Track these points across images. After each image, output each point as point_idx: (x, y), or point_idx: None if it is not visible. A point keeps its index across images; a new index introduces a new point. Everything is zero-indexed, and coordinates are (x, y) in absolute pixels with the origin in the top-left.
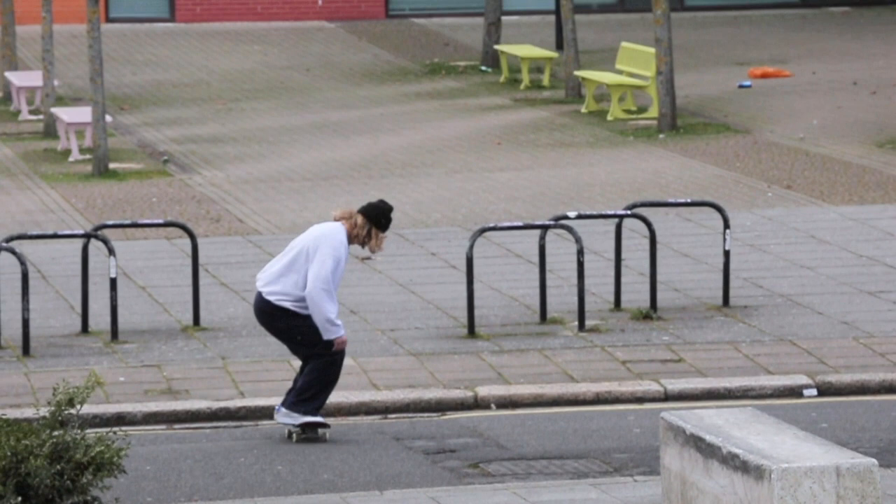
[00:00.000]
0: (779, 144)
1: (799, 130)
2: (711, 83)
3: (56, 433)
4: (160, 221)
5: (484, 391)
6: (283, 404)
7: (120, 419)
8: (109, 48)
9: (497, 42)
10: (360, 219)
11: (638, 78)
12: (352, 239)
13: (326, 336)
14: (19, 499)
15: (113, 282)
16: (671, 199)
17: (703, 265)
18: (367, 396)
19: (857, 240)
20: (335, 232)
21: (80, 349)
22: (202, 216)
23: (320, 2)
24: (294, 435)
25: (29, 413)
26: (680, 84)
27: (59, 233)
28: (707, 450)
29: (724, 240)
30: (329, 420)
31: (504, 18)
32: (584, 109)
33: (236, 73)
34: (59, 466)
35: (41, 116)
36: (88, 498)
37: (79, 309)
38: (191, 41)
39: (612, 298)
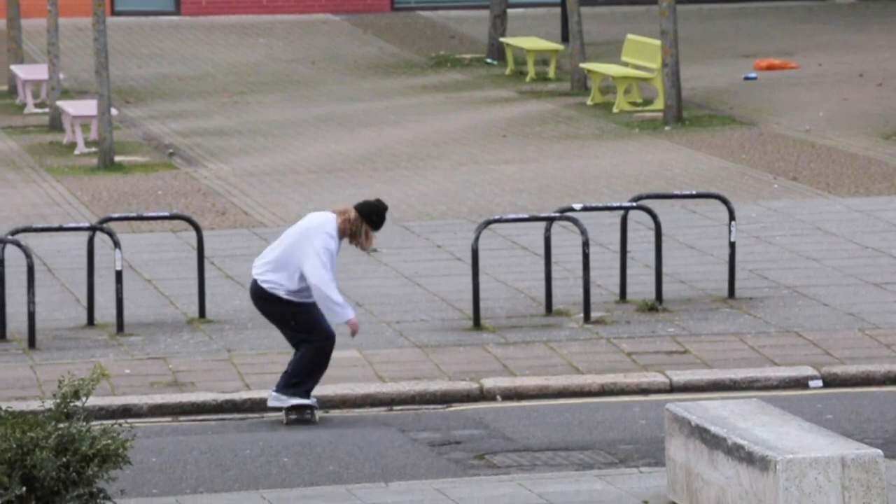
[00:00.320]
0: (785, 136)
1: (805, 122)
2: (717, 75)
3: (62, 425)
4: (166, 214)
5: (489, 383)
6: (277, 387)
7: (126, 411)
8: (115, 41)
9: (502, 34)
10: (353, 213)
11: (643, 70)
12: (342, 233)
13: (339, 319)
14: (25, 490)
15: (118, 274)
16: (677, 191)
17: (708, 257)
18: (373, 388)
19: (863, 231)
20: (326, 222)
21: (86, 342)
22: (207, 209)
23: None
24: (285, 417)
25: (34, 405)
26: (685, 76)
27: (65, 225)
28: (712, 441)
29: (730, 231)
30: (334, 412)
31: (509, 11)
32: (589, 102)
33: (242, 66)
34: (64, 458)
35: (47, 109)
36: (94, 490)
37: (84, 301)
38: (196, 34)
39: (617, 290)
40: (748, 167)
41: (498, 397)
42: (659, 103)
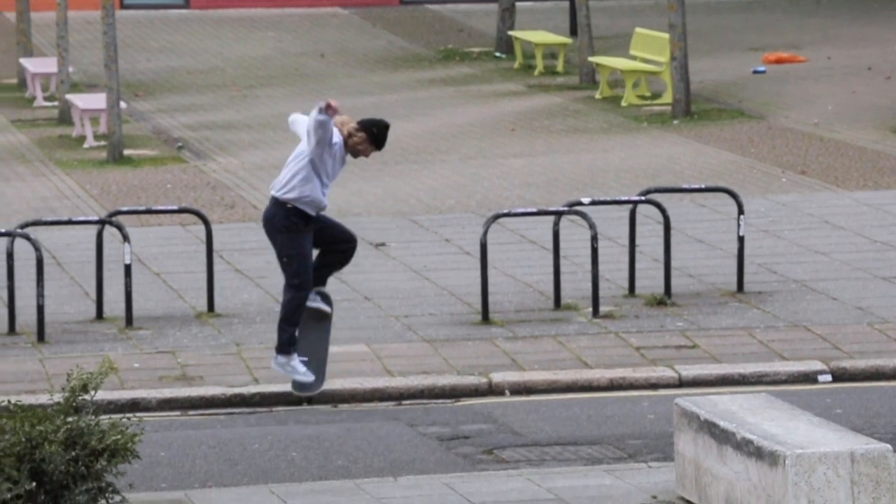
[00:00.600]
0: (793, 130)
1: (813, 116)
2: (726, 69)
3: (70, 419)
4: (175, 208)
5: (498, 377)
6: (280, 350)
7: (134, 405)
8: (124, 35)
9: (511, 28)
10: (353, 124)
11: (652, 64)
12: (346, 146)
13: (319, 116)
14: (34, 484)
15: (127, 268)
16: (685, 185)
17: (717, 251)
18: (382, 383)
19: (872, 225)
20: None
21: (95, 335)
22: (217, 202)
23: None
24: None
25: (43, 399)
26: (694, 70)
27: (74, 219)
28: (721, 436)
29: (739, 225)
30: (343, 406)
31: (518, 4)
32: (598, 95)
33: (251, 59)
34: (73, 452)
35: (56, 103)
36: (103, 484)
37: (93, 295)
38: (205, 28)
39: (626, 284)
40: (757, 161)
41: (506, 392)
42: (667, 97)
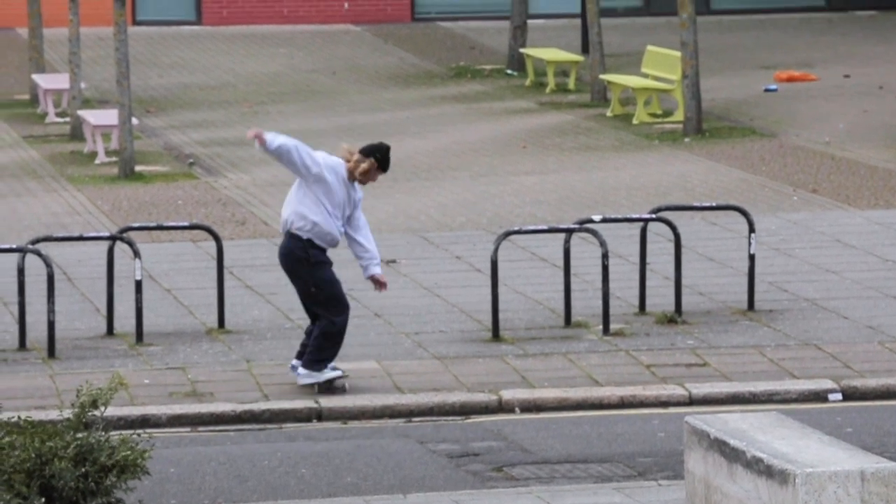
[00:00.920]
0: (804, 148)
1: (825, 134)
2: (737, 87)
3: (80, 435)
4: (185, 224)
5: (508, 395)
6: (303, 364)
7: (144, 421)
8: (136, 51)
9: (523, 45)
10: (357, 154)
11: (663, 81)
12: (350, 174)
13: (259, 149)
14: (43, 500)
15: (138, 284)
16: (696, 203)
17: (728, 269)
18: (392, 400)
19: (883, 244)
20: (334, 158)
21: (106, 351)
22: (227, 219)
23: (346, 5)
24: (317, 387)
25: (53, 415)
26: (705, 88)
27: (85, 235)
28: (731, 454)
29: (750, 244)
30: (353, 423)
31: (530, 22)
32: (609, 113)
33: (262, 76)
34: (83, 468)
35: (68, 119)
36: (112, 500)
37: (104, 311)
38: (217, 44)
39: (636, 302)
40: (768, 179)
41: (516, 409)
42: (679, 115)
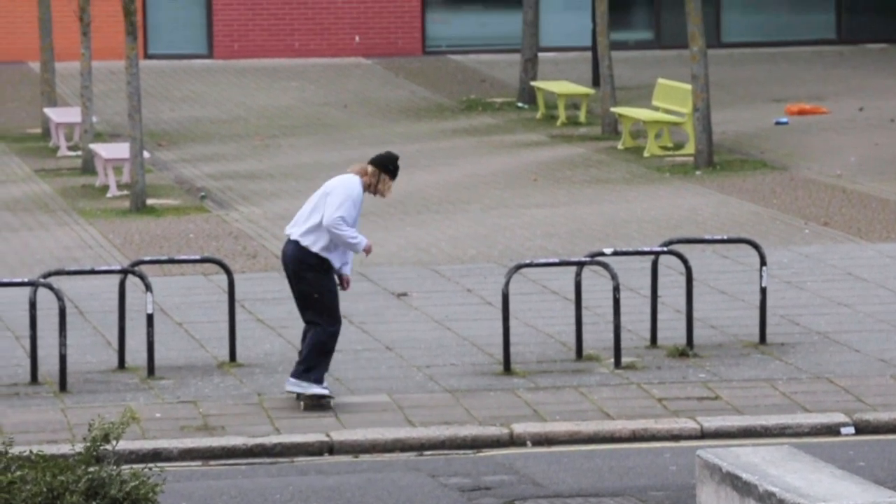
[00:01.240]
0: (816, 181)
1: (836, 167)
2: (748, 120)
3: (92, 469)
4: (197, 257)
5: (520, 428)
6: (293, 373)
7: (156, 455)
8: (148, 84)
9: (533, 78)
10: (370, 168)
11: (674, 114)
12: (365, 188)
13: (358, 250)
14: None
15: (150, 318)
16: (708, 236)
17: (739, 302)
18: (403, 433)
19: (895, 277)
20: (351, 179)
21: (117, 385)
22: (239, 252)
23: (357, 38)
24: (303, 403)
25: (65, 449)
26: (716, 120)
27: (97, 269)
28: (743, 488)
29: (761, 277)
30: (365, 456)
31: (540, 55)
32: (620, 146)
33: (273, 109)
34: (94, 502)
35: (79, 152)
36: None
37: (115, 345)
38: (228, 78)
39: (648, 335)
40: (779, 212)
41: (528, 443)
42: (690, 148)
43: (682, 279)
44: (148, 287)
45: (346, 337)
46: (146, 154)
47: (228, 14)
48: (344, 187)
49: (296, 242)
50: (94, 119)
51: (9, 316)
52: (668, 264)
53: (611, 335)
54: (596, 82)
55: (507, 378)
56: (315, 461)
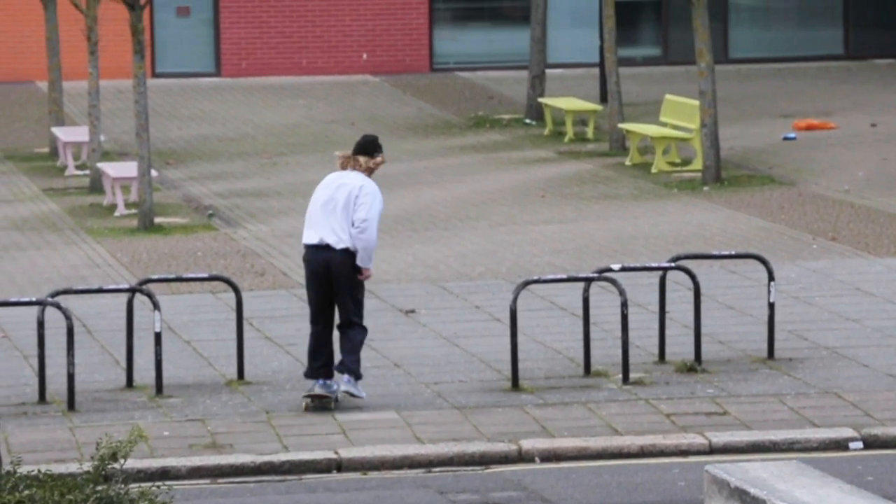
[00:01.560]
0: (824, 196)
1: (844, 182)
2: (756, 135)
3: (100, 488)
4: (205, 275)
5: (528, 444)
6: (349, 372)
7: (164, 474)
8: (155, 103)
9: (541, 95)
10: (361, 158)
11: (682, 130)
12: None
13: (366, 264)
14: None
15: (157, 336)
16: (715, 252)
17: (747, 317)
18: (411, 450)
19: None
20: (367, 181)
21: (125, 404)
22: (247, 270)
23: (365, 55)
24: (306, 403)
25: (73, 468)
26: (724, 136)
27: (105, 287)
28: (752, 503)
29: (769, 292)
30: (373, 473)
31: (548, 71)
32: (628, 162)
33: (281, 127)
34: None
35: (87, 171)
36: None
37: (123, 363)
38: (236, 96)
39: (656, 351)
40: (787, 227)
41: (536, 459)
42: (697, 163)
43: (690, 294)
44: (156, 305)
45: None
46: (154, 172)
47: (236, 32)
48: (373, 192)
49: (344, 250)
50: (102, 138)
51: (17, 335)
52: (676, 280)
53: (619, 351)
54: (604, 98)
55: (516, 394)
56: (323, 478)
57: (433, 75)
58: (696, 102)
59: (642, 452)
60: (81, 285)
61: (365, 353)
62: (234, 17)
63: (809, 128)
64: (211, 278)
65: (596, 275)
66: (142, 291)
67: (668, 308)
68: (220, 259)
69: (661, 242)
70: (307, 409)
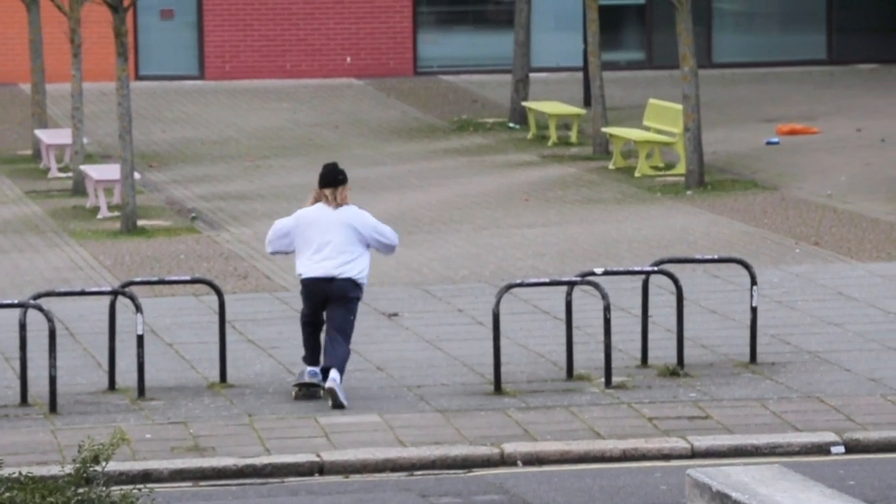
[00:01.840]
0: (806, 201)
1: (827, 187)
2: (739, 140)
3: (81, 490)
4: (187, 278)
5: (510, 448)
6: (340, 370)
7: (146, 476)
8: (139, 106)
9: (525, 99)
10: (328, 191)
11: (665, 134)
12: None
13: (390, 252)
14: None
15: (140, 339)
16: (698, 256)
17: (730, 322)
18: (394, 453)
19: (885, 297)
20: (357, 210)
21: (107, 406)
22: (230, 273)
23: (349, 59)
24: (295, 392)
25: (55, 470)
26: (707, 141)
27: (87, 290)
28: None
29: (752, 296)
30: (355, 477)
31: (532, 75)
32: (611, 166)
33: (265, 130)
34: None
35: (70, 174)
36: None
37: (106, 366)
38: (220, 98)
39: (638, 355)
40: (770, 232)
41: (519, 462)
42: (681, 168)
43: (673, 299)
44: (138, 308)
45: None
46: (137, 175)
47: (220, 35)
48: (370, 216)
49: (347, 279)
50: (85, 140)
51: None
52: (659, 284)
53: (601, 355)
54: (587, 102)
55: (498, 398)
56: (305, 482)
57: (417, 79)
58: (680, 107)
59: (624, 456)
60: (64, 288)
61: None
62: (217, 19)
63: (792, 132)
64: (194, 281)
65: (579, 278)
66: (124, 294)
67: (650, 312)
68: (203, 262)
69: (644, 246)
70: (297, 397)
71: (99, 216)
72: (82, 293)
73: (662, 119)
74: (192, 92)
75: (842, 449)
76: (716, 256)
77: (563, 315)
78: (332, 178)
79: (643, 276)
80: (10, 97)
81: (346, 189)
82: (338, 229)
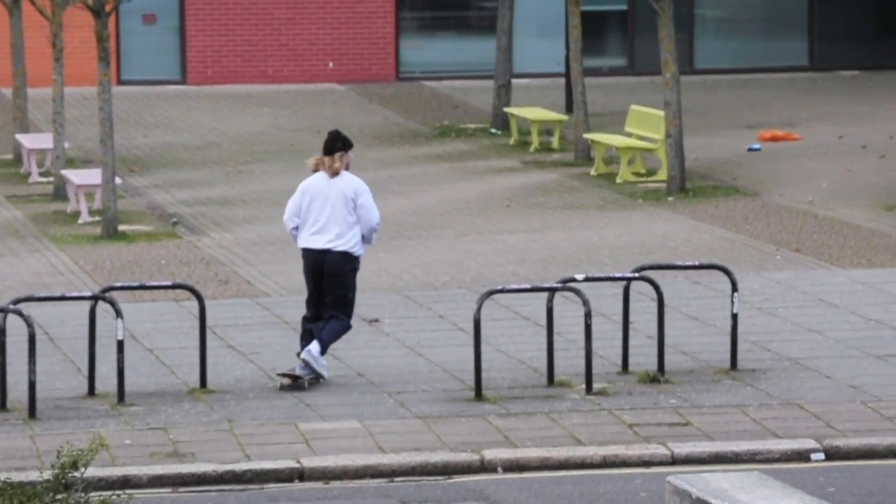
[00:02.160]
0: (788, 207)
1: (808, 193)
2: (721, 146)
3: (60, 496)
4: (168, 283)
5: (490, 454)
6: (312, 347)
7: (125, 482)
8: (120, 110)
9: (507, 105)
10: (326, 158)
11: (647, 141)
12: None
13: (369, 234)
14: None
15: (120, 344)
16: (679, 262)
17: (711, 328)
18: (374, 459)
19: (866, 303)
20: (354, 179)
21: (87, 412)
22: (210, 278)
23: (331, 64)
24: (281, 383)
25: (33, 476)
26: (689, 147)
27: (67, 295)
28: None
29: (732, 303)
30: (335, 483)
31: (514, 81)
32: (593, 172)
33: (247, 135)
34: None
35: (51, 179)
36: None
37: (86, 371)
38: (202, 103)
39: (619, 361)
40: (751, 238)
41: (499, 469)
42: (662, 174)
43: (654, 305)
44: (118, 313)
45: None
46: (118, 180)
47: (202, 40)
48: (367, 192)
49: (341, 252)
50: (66, 145)
51: None
52: (640, 290)
53: (582, 361)
54: (569, 108)
55: (479, 404)
56: (285, 488)
57: (399, 84)
58: (662, 113)
59: (605, 463)
60: (44, 292)
61: (329, 362)
62: (200, 24)
63: (774, 139)
64: (174, 286)
65: (560, 285)
66: (104, 299)
67: (631, 318)
68: (184, 267)
69: (626, 253)
70: (282, 388)
71: (80, 221)
72: (62, 298)
73: (644, 125)
74: (174, 97)
75: (822, 456)
76: (697, 263)
77: (544, 321)
78: (331, 146)
79: (624, 283)
80: None
81: (345, 156)
82: (334, 200)
